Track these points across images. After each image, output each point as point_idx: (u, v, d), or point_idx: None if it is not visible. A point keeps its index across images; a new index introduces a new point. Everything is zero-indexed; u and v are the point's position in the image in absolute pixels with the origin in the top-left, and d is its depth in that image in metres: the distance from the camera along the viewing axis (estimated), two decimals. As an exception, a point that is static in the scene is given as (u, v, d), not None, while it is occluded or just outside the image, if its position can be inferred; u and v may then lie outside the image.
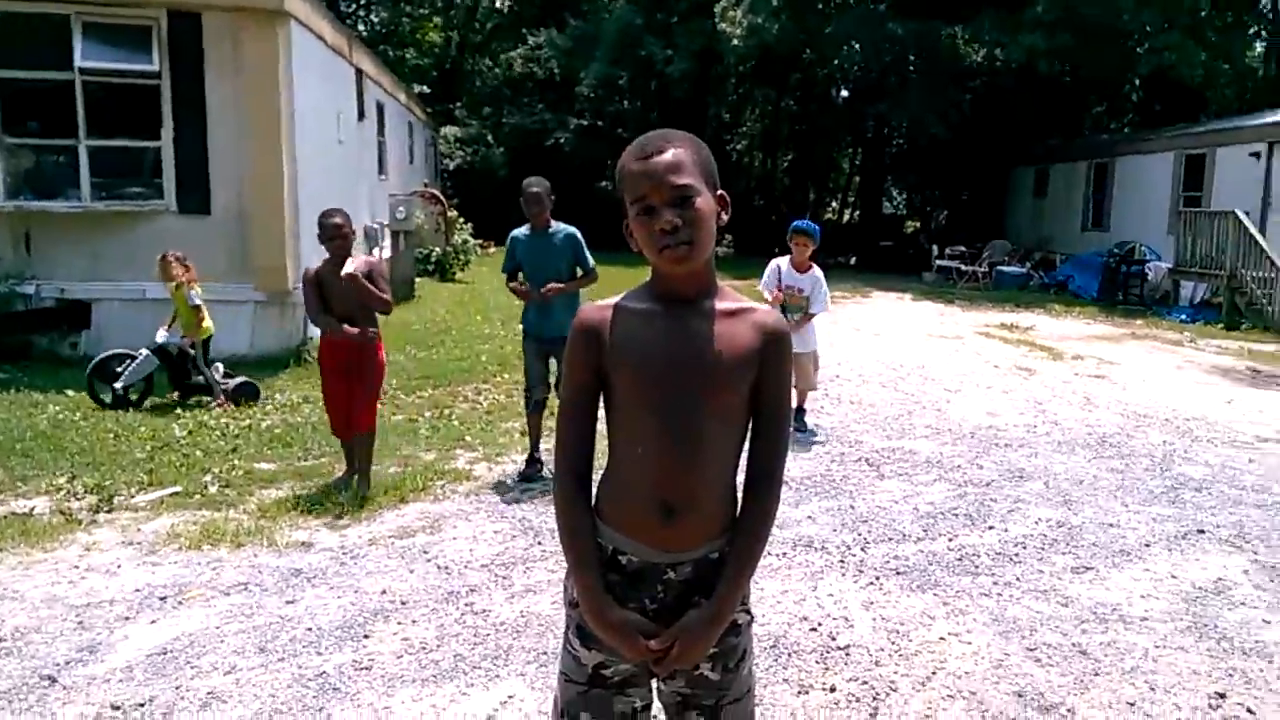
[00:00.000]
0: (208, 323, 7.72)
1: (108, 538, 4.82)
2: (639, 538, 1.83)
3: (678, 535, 1.82)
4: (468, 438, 6.83)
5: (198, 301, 7.57)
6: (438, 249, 17.37)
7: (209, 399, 7.68)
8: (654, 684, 1.93)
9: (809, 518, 5.33)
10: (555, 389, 5.96)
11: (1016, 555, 4.84)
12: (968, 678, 3.57)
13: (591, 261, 5.91)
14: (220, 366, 7.94)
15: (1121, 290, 17.44)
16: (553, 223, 5.88)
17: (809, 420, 7.25)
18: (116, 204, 9.35)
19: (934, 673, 3.60)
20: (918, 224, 32.25)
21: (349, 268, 5.35)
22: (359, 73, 13.68)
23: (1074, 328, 14.18)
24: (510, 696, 3.37)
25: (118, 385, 7.50)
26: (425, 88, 27.46)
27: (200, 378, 7.73)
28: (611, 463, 1.89)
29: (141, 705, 3.25)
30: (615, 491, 1.87)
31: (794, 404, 7.04)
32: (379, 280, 5.41)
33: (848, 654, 3.74)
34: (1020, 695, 3.45)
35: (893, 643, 3.84)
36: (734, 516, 1.88)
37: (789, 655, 3.71)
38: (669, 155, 1.78)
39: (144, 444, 6.44)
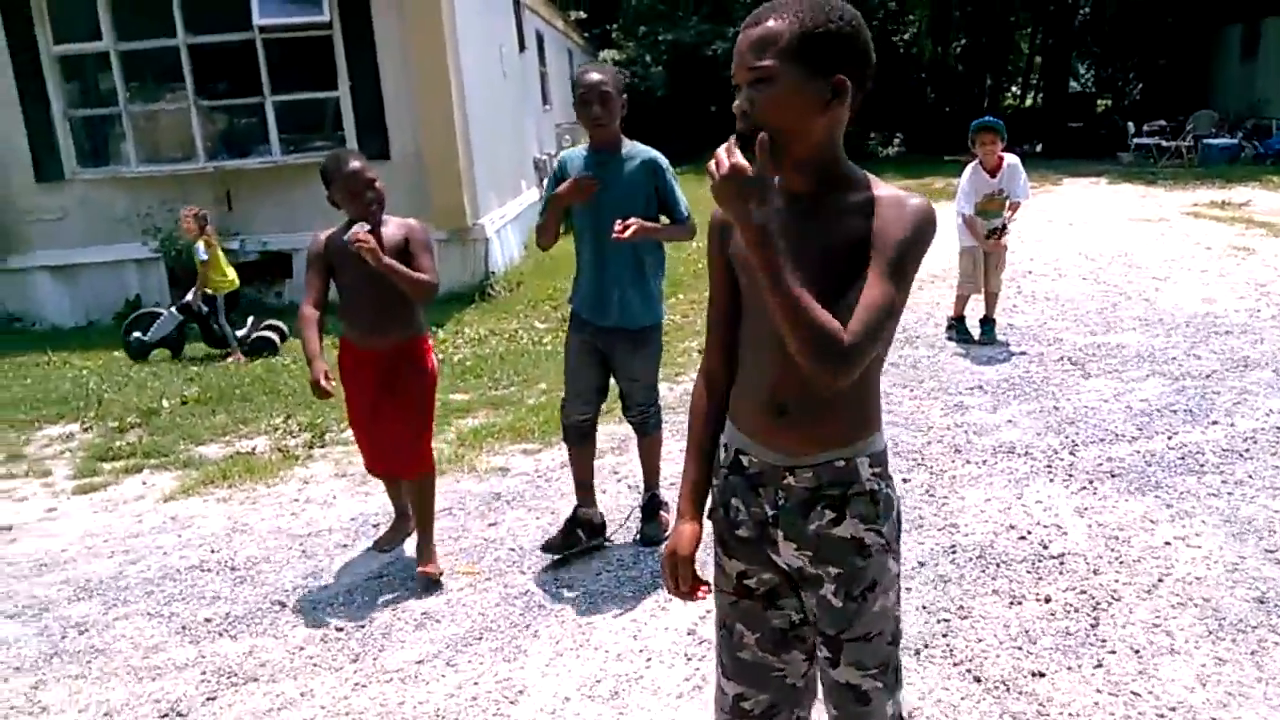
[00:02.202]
0: (230, 275, 8.01)
1: (322, 471, 5.13)
2: (757, 438, 1.74)
3: (793, 437, 1.70)
4: (648, 359, 6.85)
5: (204, 257, 7.75)
6: (605, 174, 17.41)
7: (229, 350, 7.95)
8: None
9: (1009, 422, 5.07)
10: (621, 403, 4.06)
11: (1247, 451, 4.45)
12: (1199, 583, 3.32)
13: (686, 207, 3.75)
14: (251, 319, 8.20)
15: (1354, 153, 15.63)
16: (627, 141, 3.71)
17: (1000, 321, 6.86)
18: (303, 156, 9.79)
19: (1160, 580, 3.36)
20: (1109, 101, 29.79)
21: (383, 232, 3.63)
22: (517, 3, 13.71)
23: (1299, 200, 12.82)
24: (709, 611, 3.37)
25: (145, 339, 7.97)
26: (582, 12, 27.32)
27: (225, 331, 7.96)
28: (739, 364, 1.80)
29: (362, 626, 3.46)
30: (739, 392, 1.79)
31: (983, 313, 6.69)
32: (419, 254, 3.66)
33: (1062, 563, 3.54)
34: (1261, 601, 3.18)
35: (1111, 549, 3.61)
36: (865, 422, 1.71)
37: (997, 566, 3.55)
38: (760, 29, 1.56)
39: (347, 382, 6.79)
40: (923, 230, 1.61)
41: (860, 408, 1.72)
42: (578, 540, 3.90)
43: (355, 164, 3.62)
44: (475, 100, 10.10)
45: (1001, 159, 6.43)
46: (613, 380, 3.99)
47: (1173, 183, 15.41)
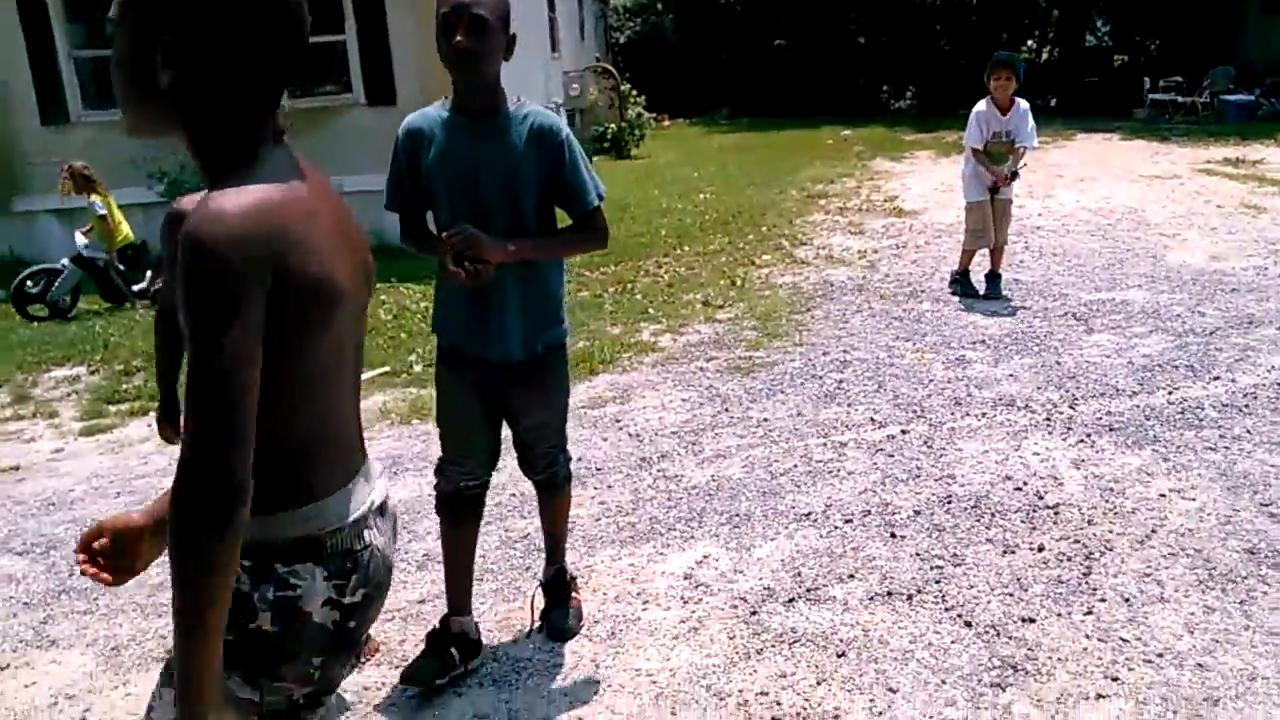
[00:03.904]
0: (125, 229, 7.99)
1: (326, 416, 5.17)
2: None
3: None
4: (650, 310, 6.86)
5: (101, 211, 7.74)
6: (612, 125, 17.31)
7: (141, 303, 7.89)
8: None
9: (1010, 375, 5.08)
10: (520, 456, 3.01)
11: (1246, 406, 4.46)
12: (1191, 535, 3.35)
13: (596, 192, 2.64)
14: (150, 273, 8.08)
15: (1373, 111, 15.40)
16: (516, 99, 2.62)
17: (1006, 276, 6.83)
18: (309, 101, 9.75)
19: (1153, 531, 3.40)
20: (1126, 57, 29.35)
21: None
22: (524, -52, 13.53)
23: (1314, 158, 12.68)
24: (705, 556, 3.43)
25: (48, 298, 7.92)
26: (591, -43, 26.95)
27: (124, 286, 7.94)
28: None
29: (367, 566, 3.51)
30: None
31: (988, 268, 6.66)
32: None
33: (1056, 513, 3.57)
34: (1252, 553, 3.21)
35: (1106, 501, 3.64)
36: (264, 496, 1.30)
37: (992, 515, 3.59)
38: None
39: (352, 329, 6.83)
40: (186, 273, 1.19)
41: (260, 474, 1.28)
42: (451, 663, 2.81)
43: None
44: (482, 47, 10.03)
45: (1014, 100, 6.37)
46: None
47: (1186, 139, 15.25)
